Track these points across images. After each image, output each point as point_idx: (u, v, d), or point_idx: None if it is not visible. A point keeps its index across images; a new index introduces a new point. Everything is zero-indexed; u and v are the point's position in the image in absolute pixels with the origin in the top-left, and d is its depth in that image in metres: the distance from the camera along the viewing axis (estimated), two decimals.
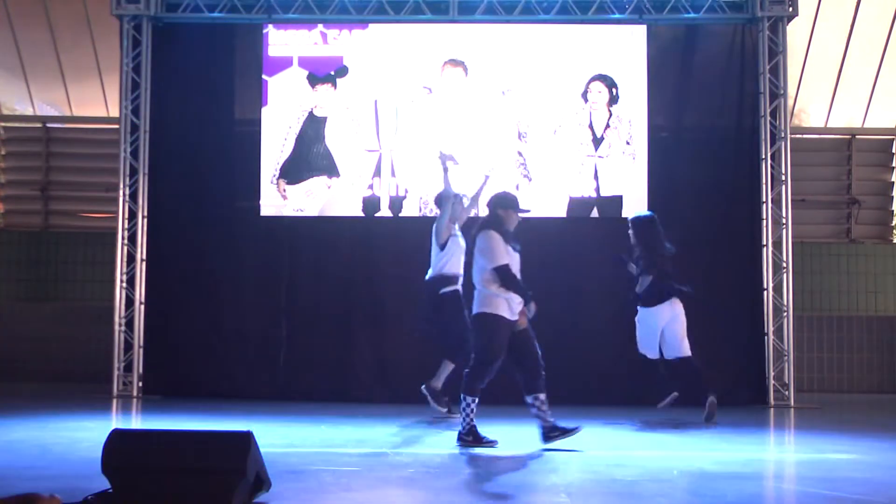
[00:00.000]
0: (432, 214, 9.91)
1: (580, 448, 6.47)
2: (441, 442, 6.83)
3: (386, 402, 9.26)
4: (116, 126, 10.51)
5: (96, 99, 12.14)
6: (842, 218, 12.04)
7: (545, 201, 9.93)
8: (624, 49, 10.08)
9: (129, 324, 10.03)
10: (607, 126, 10.02)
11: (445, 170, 8.67)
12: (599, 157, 9.99)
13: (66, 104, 12.34)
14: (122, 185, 10.10)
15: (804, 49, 11.53)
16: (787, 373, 9.82)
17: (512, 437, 7.21)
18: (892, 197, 12.12)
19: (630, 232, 8.52)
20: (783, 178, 9.94)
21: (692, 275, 9.79)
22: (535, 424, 6.44)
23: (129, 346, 10.02)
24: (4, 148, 12.52)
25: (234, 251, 10.10)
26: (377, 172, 10.04)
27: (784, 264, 9.91)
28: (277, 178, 10.10)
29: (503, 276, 6.33)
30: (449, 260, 8.23)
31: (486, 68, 10.06)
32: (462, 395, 6.40)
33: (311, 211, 10.09)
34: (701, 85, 10.14)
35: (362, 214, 10.04)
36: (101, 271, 11.22)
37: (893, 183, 12.13)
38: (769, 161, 9.92)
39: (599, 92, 10.04)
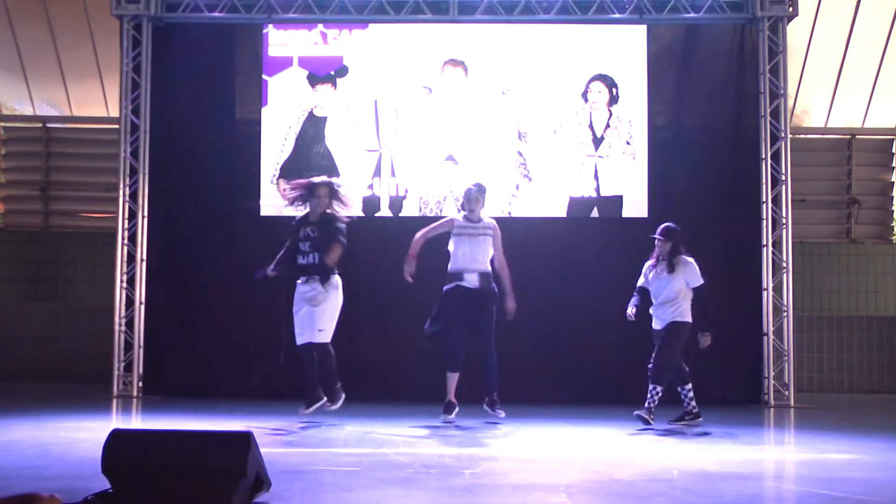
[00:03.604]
0: (432, 214, 9.93)
1: (580, 448, 6.48)
2: (441, 442, 6.83)
3: (386, 401, 9.25)
4: (116, 126, 10.51)
5: (96, 99, 12.14)
6: (842, 218, 12.04)
7: (545, 201, 9.94)
8: (624, 49, 10.08)
9: (129, 324, 10.04)
10: (607, 126, 10.02)
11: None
12: (599, 157, 9.99)
13: (66, 104, 12.34)
14: (122, 185, 10.10)
15: (804, 49, 11.53)
16: (787, 373, 9.83)
17: (512, 436, 7.21)
18: (892, 197, 12.12)
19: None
20: (783, 178, 9.94)
21: None
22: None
23: (129, 346, 10.02)
24: (4, 148, 12.53)
25: (234, 251, 10.10)
26: (377, 172, 10.05)
27: (784, 264, 9.91)
28: (277, 178, 10.10)
29: None
30: None
31: (486, 68, 10.06)
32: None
33: None
34: (701, 85, 10.15)
35: (362, 214, 10.03)
36: (101, 271, 11.22)
37: (893, 183, 12.13)
38: (769, 161, 9.92)
39: (599, 92, 10.04)
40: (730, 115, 10.12)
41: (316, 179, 8.11)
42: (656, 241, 7.89)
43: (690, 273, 7.81)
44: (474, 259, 7.89)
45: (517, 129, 10.02)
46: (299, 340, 7.87)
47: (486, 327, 7.85)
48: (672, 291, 7.77)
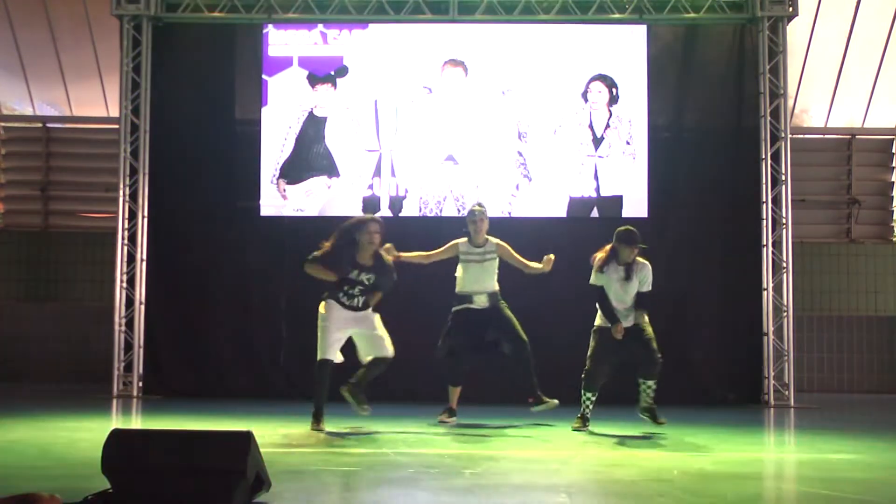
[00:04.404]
0: (432, 215, 9.95)
1: (580, 448, 6.48)
2: (441, 442, 6.83)
3: (386, 401, 9.24)
4: (116, 126, 10.52)
5: (96, 99, 12.14)
6: (842, 218, 12.04)
7: (545, 201, 9.94)
8: (624, 49, 10.08)
9: (129, 324, 10.04)
10: (607, 126, 10.02)
11: None
12: (599, 157, 9.99)
13: (66, 104, 12.34)
14: (122, 185, 10.11)
15: (804, 49, 11.54)
16: (787, 373, 9.83)
17: (512, 436, 7.22)
18: (892, 197, 12.13)
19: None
20: (783, 178, 9.95)
21: (692, 274, 9.83)
22: None
23: (129, 346, 10.03)
24: (4, 148, 12.53)
25: (235, 251, 10.12)
26: (377, 172, 10.05)
27: (784, 264, 9.91)
28: (277, 178, 10.11)
29: None
30: None
31: (486, 68, 10.06)
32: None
33: (311, 211, 10.10)
34: (701, 85, 10.15)
35: (362, 214, 10.03)
36: (101, 271, 11.23)
37: (893, 183, 12.14)
38: (769, 161, 9.92)
39: (599, 92, 10.04)
40: (730, 115, 10.13)
41: (366, 216, 7.60)
42: (632, 248, 7.33)
43: (648, 278, 7.35)
44: (483, 283, 7.86)
45: (517, 129, 10.02)
46: (384, 353, 7.43)
47: (510, 331, 7.83)
48: (635, 293, 7.38)
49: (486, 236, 7.96)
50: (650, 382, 7.40)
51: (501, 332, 7.88)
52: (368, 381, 7.47)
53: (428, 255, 8.05)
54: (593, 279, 7.46)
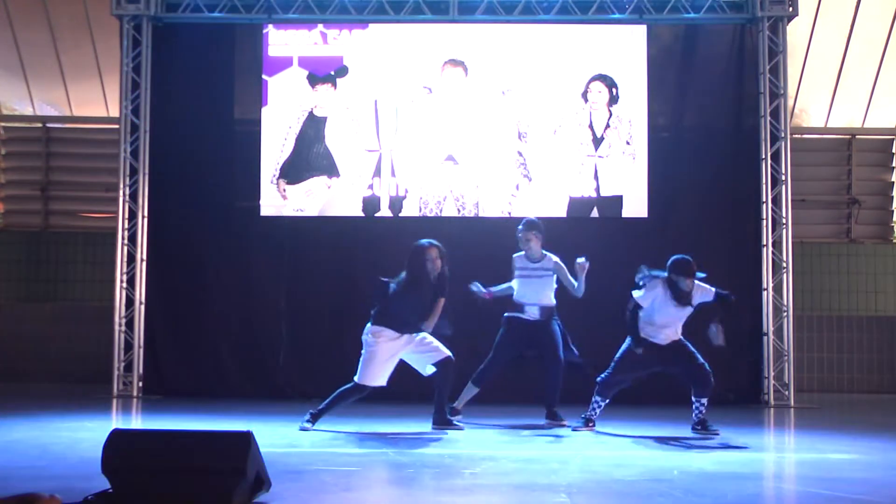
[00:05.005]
0: (432, 215, 9.95)
1: (580, 448, 6.48)
2: (441, 442, 6.83)
3: (386, 402, 9.24)
4: (116, 126, 10.52)
5: (96, 99, 12.14)
6: (842, 218, 12.04)
7: (545, 201, 9.94)
8: (624, 49, 10.08)
9: (129, 324, 10.04)
10: (607, 126, 10.02)
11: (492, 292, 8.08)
12: (599, 157, 9.99)
13: (66, 104, 12.34)
14: (122, 185, 10.11)
15: (804, 49, 11.53)
16: (787, 373, 9.83)
17: (511, 436, 7.22)
18: (892, 197, 12.12)
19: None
20: (783, 178, 9.95)
21: None
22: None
23: (129, 346, 10.03)
24: (4, 148, 12.52)
25: (234, 251, 10.11)
26: (377, 172, 10.05)
27: (784, 264, 9.91)
28: (277, 178, 10.11)
29: None
30: None
31: (486, 68, 10.06)
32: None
33: (311, 211, 10.10)
34: (701, 85, 10.15)
35: (362, 214, 10.04)
36: (101, 271, 11.22)
37: (893, 183, 12.13)
38: (769, 161, 9.93)
39: (599, 92, 10.04)
40: (730, 115, 10.13)
41: (422, 244, 7.34)
42: (692, 279, 7.30)
43: (704, 292, 7.39)
44: (537, 297, 7.97)
45: (517, 129, 10.02)
46: (438, 357, 7.31)
47: (550, 347, 7.93)
48: (688, 315, 7.44)
49: (544, 252, 8.06)
50: (704, 400, 7.31)
51: (541, 346, 7.97)
52: (447, 393, 7.43)
53: (508, 285, 8.14)
54: (639, 295, 7.36)
